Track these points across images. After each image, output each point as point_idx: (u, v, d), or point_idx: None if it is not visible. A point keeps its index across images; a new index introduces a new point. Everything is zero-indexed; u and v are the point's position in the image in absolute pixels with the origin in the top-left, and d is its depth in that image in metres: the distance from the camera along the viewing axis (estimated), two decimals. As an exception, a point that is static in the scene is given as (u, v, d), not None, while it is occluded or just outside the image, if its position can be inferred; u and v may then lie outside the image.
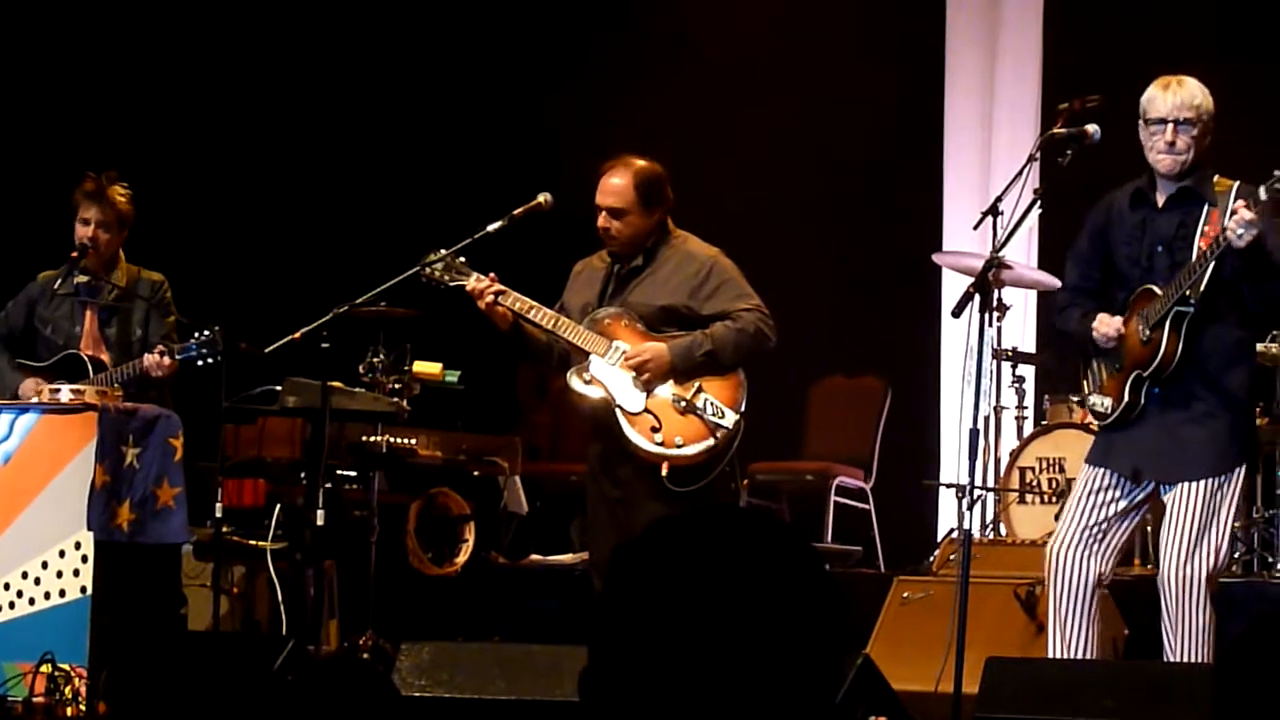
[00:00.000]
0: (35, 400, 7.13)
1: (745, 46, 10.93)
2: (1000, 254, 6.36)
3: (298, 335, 7.09)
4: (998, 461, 8.82)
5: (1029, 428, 9.04)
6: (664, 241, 6.56)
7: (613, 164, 6.55)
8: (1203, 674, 5.50)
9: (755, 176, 10.78)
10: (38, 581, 6.89)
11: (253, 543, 8.29)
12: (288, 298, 8.33)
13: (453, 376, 8.71)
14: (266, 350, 7.15)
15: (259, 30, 10.92)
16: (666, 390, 6.43)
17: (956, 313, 6.18)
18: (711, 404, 6.41)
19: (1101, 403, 6.11)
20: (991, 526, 8.65)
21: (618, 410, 6.44)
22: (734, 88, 10.88)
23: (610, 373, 6.46)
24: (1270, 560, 8.03)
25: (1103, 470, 6.07)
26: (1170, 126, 5.95)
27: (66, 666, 6.64)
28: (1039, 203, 6.31)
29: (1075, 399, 8.60)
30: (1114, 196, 6.19)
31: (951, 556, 7.71)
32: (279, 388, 7.93)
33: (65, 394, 7.07)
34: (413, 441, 8.66)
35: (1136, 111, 6.05)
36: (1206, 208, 5.91)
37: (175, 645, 6.39)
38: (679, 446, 6.38)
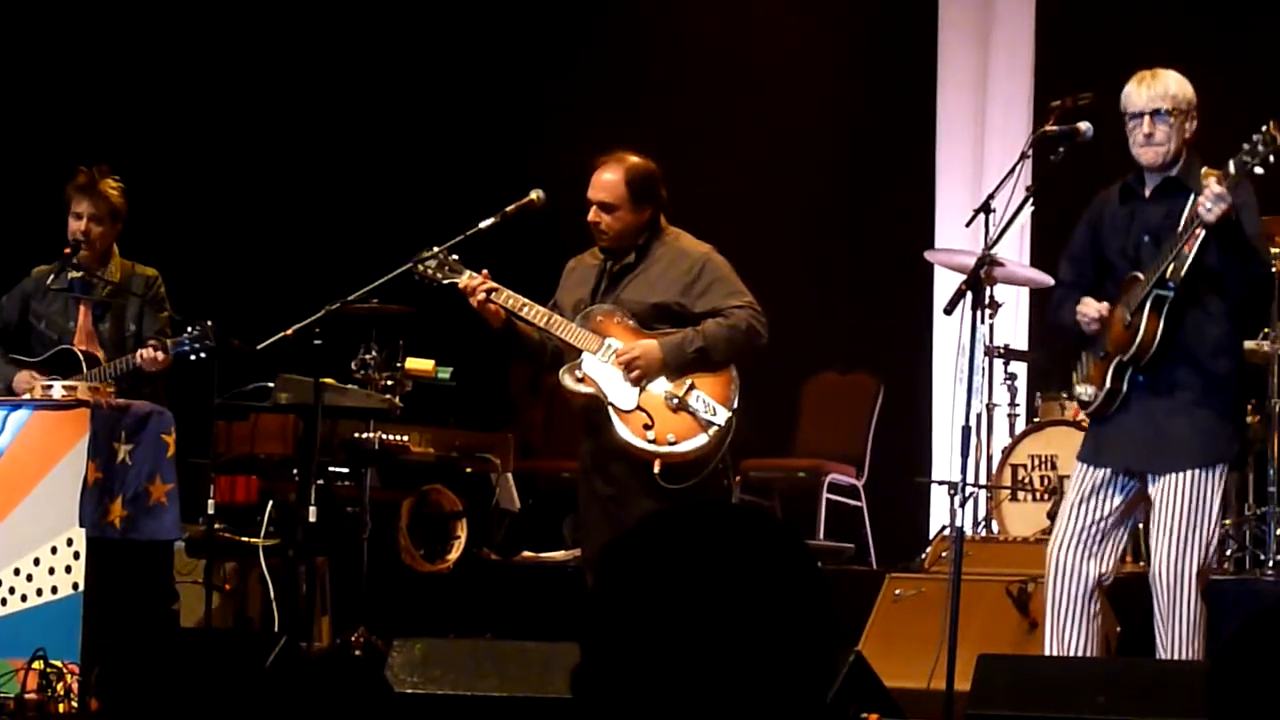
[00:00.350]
0: (28, 396, 7.12)
1: (738, 43, 10.93)
2: (992, 251, 6.36)
3: (290, 332, 7.08)
4: (990, 459, 8.82)
5: (1021, 425, 9.05)
6: (656, 238, 6.57)
7: (605, 159, 6.56)
8: (1195, 670, 5.51)
9: (748, 173, 10.78)
10: (30, 578, 6.89)
11: (245, 539, 8.28)
12: (280, 294, 8.32)
13: (445, 373, 8.71)
14: (259, 347, 7.14)
15: (252, 26, 10.91)
16: (659, 387, 6.43)
17: (949, 310, 6.19)
18: (704, 401, 6.41)
19: (1086, 391, 6.13)
20: (983, 524, 8.66)
21: (610, 408, 6.43)
22: (727, 84, 10.88)
23: (602, 370, 6.46)
24: (1262, 558, 8.03)
25: (1095, 468, 6.07)
26: (1146, 118, 5.97)
27: (59, 663, 6.64)
28: (1031, 200, 6.32)
29: (1067, 396, 8.60)
30: (1106, 193, 6.21)
31: (943, 554, 7.72)
32: (271, 384, 7.93)
33: (58, 390, 7.07)
34: (405, 438, 8.66)
35: (1128, 109, 6.06)
36: (1193, 197, 5.91)
37: (167, 642, 6.38)
38: (672, 444, 6.38)
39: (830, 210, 10.79)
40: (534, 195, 6.76)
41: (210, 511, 7.57)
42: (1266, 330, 8.07)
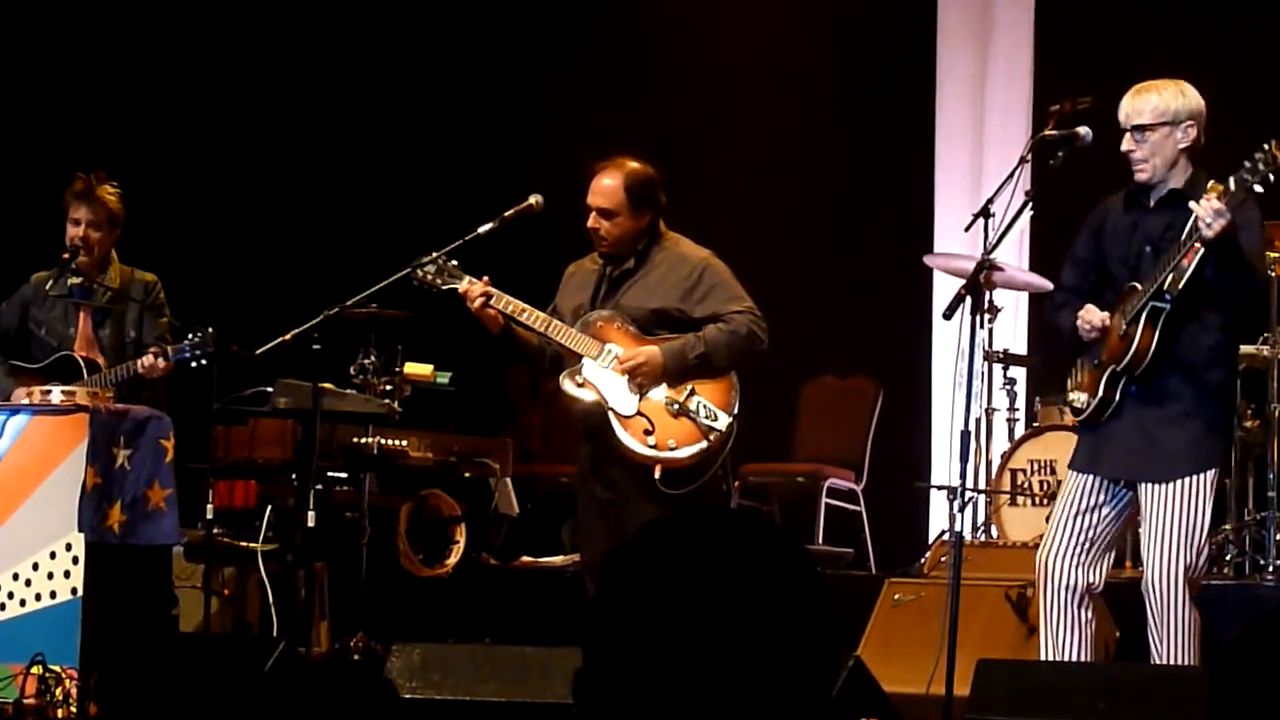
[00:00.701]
0: (26, 401, 7.12)
1: (738, 48, 10.93)
2: (991, 256, 6.36)
3: (289, 337, 7.09)
4: (989, 464, 8.82)
5: (1020, 430, 9.05)
6: (656, 244, 6.57)
7: (605, 165, 6.56)
8: (1193, 676, 5.51)
9: (747, 178, 10.78)
10: (28, 583, 6.89)
11: (244, 544, 8.29)
12: (279, 299, 8.32)
13: (444, 378, 8.71)
14: (258, 352, 7.15)
15: (250, 31, 10.91)
16: (659, 393, 6.43)
17: (948, 315, 6.19)
18: (704, 406, 6.41)
19: (1079, 398, 6.12)
20: (983, 528, 8.66)
21: (610, 413, 6.43)
22: (726, 90, 10.88)
23: (603, 375, 6.46)
24: (1261, 563, 8.03)
25: (1087, 476, 6.07)
26: (1127, 135, 5.97)
27: (57, 668, 6.64)
28: (1030, 205, 6.32)
29: (1065, 402, 8.60)
30: (1110, 200, 6.20)
31: (943, 558, 7.72)
32: (270, 389, 7.93)
33: (56, 395, 7.06)
34: (404, 443, 8.66)
35: (1129, 113, 6.06)
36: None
37: (166, 647, 6.38)
38: (672, 449, 6.38)
39: (829, 214, 10.79)
40: (533, 200, 6.77)
41: (209, 516, 7.57)
42: (1266, 335, 8.07)
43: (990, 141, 10.68)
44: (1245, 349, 7.65)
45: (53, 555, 6.87)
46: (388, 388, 8.29)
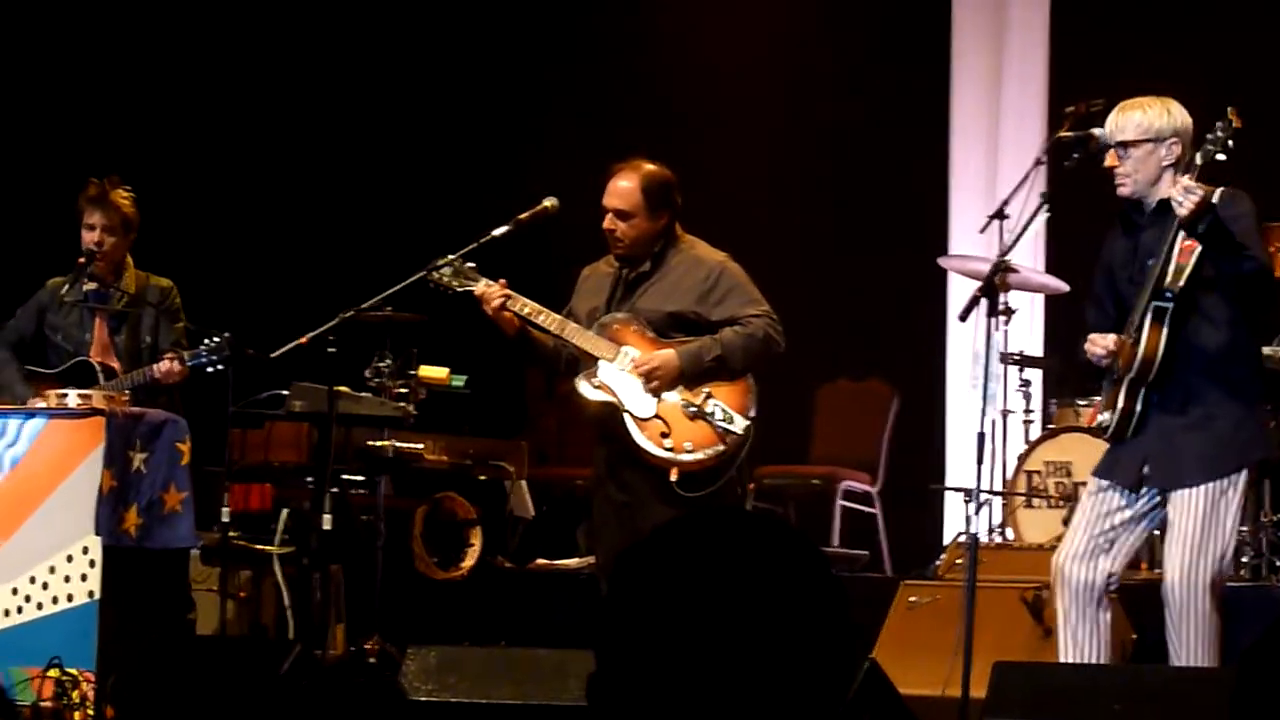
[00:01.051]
0: (43, 405, 7.13)
1: (751, 49, 10.93)
2: (1007, 258, 6.36)
3: (304, 340, 7.09)
4: (1004, 465, 8.81)
5: (1036, 431, 9.03)
6: (672, 246, 6.56)
7: (622, 166, 6.56)
8: (1211, 678, 5.49)
9: (762, 180, 10.78)
10: (45, 586, 6.90)
11: (259, 547, 8.30)
12: (294, 302, 8.32)
13: (459, 381, 8.71)
14: (273, 355, 7.15)
15: (265, 36, 10.93)
16: (676, 396, 6.42)
17: (963, 317, 6.18)
18: (721, 409, 6.40)
19: (1104, 417, 6.08)
20: (998, 530, 8.65)
21: (627, 415, 6.43)
22: (740, 90, 10.88)
23: (619, 378, 6.46)
24: (1278, 565, 8.01)
25: (1107, 482, 6.05)
26: (1110, 150, 5.95)
27: (74, 671, 6.65)
28: (1046, 206, 6.31)
29: (1081, 403, 8.60)
30: (1111, 230, 6.17)
31: (958, 560, 7.71)
32: (286, 392, 7.94)
33: (73, 399, 7.07)
34: (419, 446, 8.66)
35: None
36: None
37: (182, 649, 6.38)
38: (689, 452, 6.37)
39: (844, 216, 10.79)
40: (548, 203, 6.76)
41: (225, 519, 7.58)
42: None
43: (1005, 143, 10.67)
44: (1263, 350, 7.62)
45: (70, 558, 6.88)
46: (403, 391, 8.30)
